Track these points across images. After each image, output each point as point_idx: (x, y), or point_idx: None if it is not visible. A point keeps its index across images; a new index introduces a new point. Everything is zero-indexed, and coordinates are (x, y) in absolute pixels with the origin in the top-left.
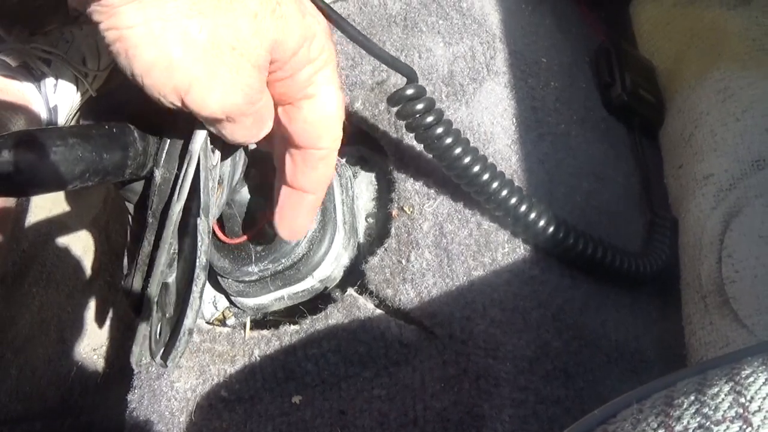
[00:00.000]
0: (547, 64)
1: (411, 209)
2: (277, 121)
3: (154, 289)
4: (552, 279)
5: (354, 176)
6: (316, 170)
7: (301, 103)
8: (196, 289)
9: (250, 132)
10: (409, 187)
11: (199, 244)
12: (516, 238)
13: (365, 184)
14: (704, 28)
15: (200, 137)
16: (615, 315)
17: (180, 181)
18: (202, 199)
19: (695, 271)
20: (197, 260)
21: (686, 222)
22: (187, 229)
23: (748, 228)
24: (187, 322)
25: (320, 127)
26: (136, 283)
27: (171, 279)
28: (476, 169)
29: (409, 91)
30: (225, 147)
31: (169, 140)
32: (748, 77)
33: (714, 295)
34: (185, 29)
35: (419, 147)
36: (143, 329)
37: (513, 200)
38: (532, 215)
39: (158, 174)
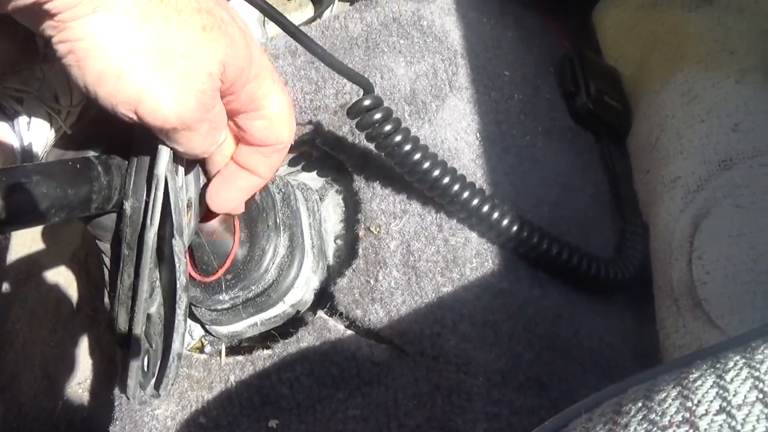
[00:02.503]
0: (510, 77)
1: (378, 229)
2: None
3: (140, 319)
4: (521, 291)
5: (321, 199)
6: (270, 158)
7: (252, 114)
8: (179, 312)
9: (205, 141)
10: (375, 207)
11: (177, 265)
12: (483, 251)
13: (332, 206)
14: (666, 32)
15: (164, 158)
16: (588, 323)
17: (151, 206)
18: (174, 220)
19: (667, 274)
20: (177, 281)
21: (656, 226)
22: (162, 255)
23: (717, 229)
24: (175, 346)
25: (273, 130)
26: (121, 319)
27: (153, 309)
28: (437, 173)
29: (366, 102)
30: (187, 166)
31: (134, 172)
32: (712, 78)
33: (686, 298)
34: (135, 39)
35: (384, 168)
36: (135, 363)
37: (475, 201)
38: (495, 214)
39: (128, 205)
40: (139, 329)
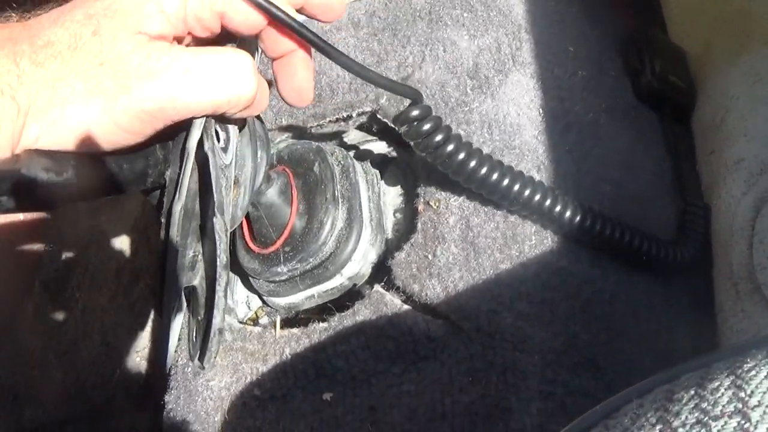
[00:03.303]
0: (574, 53)
1: (437, 204)
2: None
3: (167, 291)
4: (580, 270)
5: (381, 172)
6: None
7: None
8: (219, 289)
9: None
10: (434, 181)
11: (218, 243)
12: (544, 230)
13: (392, 180)
14: (734, 12)
15: (195, 134)
16: (646, 305)
17: (179, 179)
18: (215, 198)
19: (727, 257)
20: (218, 260)
21: (718, 208)
22: (205, 231)
23: None
24: (216, 321)
25: None
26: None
27: (196, 281)
28: (495, 177)
29: (415, 112)
30: (240, 143)
31: (180, 142)
32: None
33: (745, 282)
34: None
35: None
36: (166, 332)
37: (536, 198)
38: (558, 208)
39: (167, 175)
40: (166, 299)
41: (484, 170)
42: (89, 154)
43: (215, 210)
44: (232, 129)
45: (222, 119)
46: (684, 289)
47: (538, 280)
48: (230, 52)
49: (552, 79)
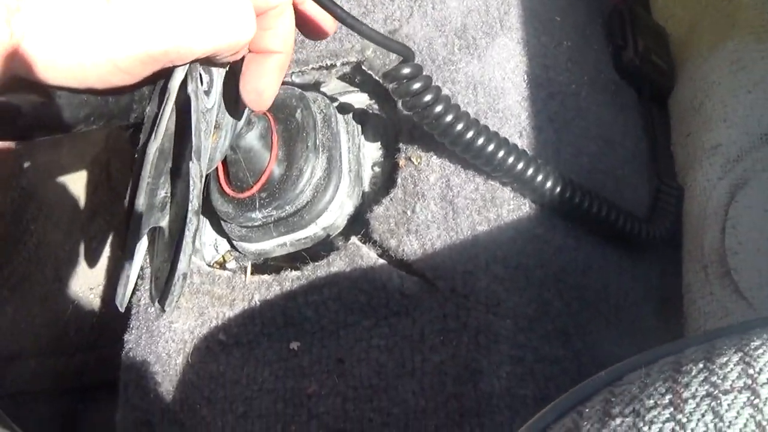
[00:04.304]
0: (560, 23)
1: (418, 160)
2: None
3: (132, 229)
4: (556, 239)
5: (363, 124)
6: (275, 29)
7: None
8: (188, 234)
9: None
10: (417, 138)
11: (191, 188)
12: (522, 197)
13: (372, 132)
14: None
15: (179, 75)
16: (617, 279)
17: (157, 119)
18: (193, 143)
19: (698, 240)
20: (189, 204)
21: (692, 191)
22: (179, 173)
23: (753, 200)
24: (181, 266)
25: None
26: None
27: (164, 223)
28: (480, 142)
29: (406, 71)
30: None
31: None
32: (762, 50)
33: (715, 266)
34: None
35: None
36: (126, 270)
37: (520, 166)
38: (539, 178)
39: (147, 111)
40: (129, 236)
41: (470, 134)
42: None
43: (192, 155)
44: (216, 71)
45: (208, 62)
46: (653, 268)
47: (514, 245)
48: None
49: (538, 47)
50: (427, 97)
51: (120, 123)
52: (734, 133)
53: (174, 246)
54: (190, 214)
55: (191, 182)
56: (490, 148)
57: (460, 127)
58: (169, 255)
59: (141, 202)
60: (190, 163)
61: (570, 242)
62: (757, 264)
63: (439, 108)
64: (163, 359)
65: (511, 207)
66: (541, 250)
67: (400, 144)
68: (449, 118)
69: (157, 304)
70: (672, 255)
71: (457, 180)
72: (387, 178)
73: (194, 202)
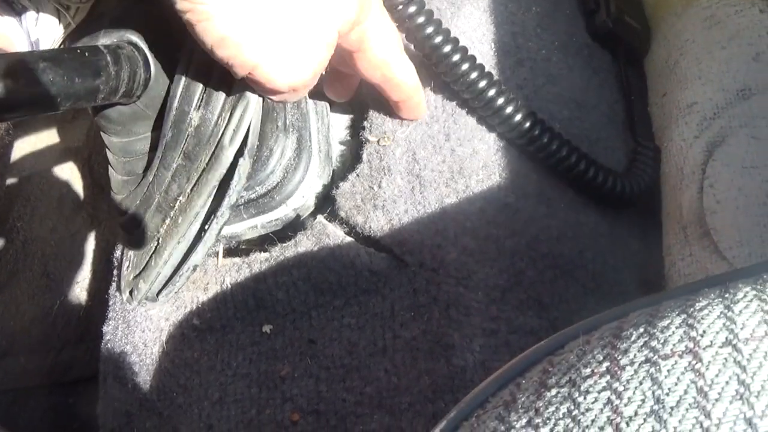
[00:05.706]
0: None
1: (384, 135)
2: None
3: (183, 232)
4: (527, 207)
5: (330, 103)
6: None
7: (357, 55)
8: (215, 227)
9: (300, 95)
10: (382, 113)
11: (234, 183)
12: (491, 163)
13: (339, 111)
14: None
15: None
16: (593, 245)
17: (234, 125)
18: (250, 141)
19: (676, 200)
20: (227, 197)
21: (669, 151)
22: (219, 161)
23: (731, 158)
24: (196, 257)
25: (379, 69)
26: (153, 224)
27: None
28: (465, 67)
29: None
30: None
31: (209, 85)
32: (736, 5)
33: (694, 226)
34: (261, 7)
35: None
36: (132, 257)
37: (491, 92)
38: (509, 109)
39: (196, 115)
40: (182, 244)
41: (448, 48)
42: (43, 65)
43: (246, 152)
44: None
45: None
46: (632, 232)
47: (484, 215)
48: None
49: (505, 14)
50: (412, 9)
51: (86, 104)
52: (710, 90)
53: (188, 235)
54: (224, 208)
55: (236, 177)
56: (482, 84)
57: (438, 40)
58: (172, 244)
59: (202, 210)
60: (241, 159)
61: (542, 210)
62: (737, 222)
63: (421, 19)
64: (140, 349)
65: (480, 177)
66: (512, 219)
67: (365, 121)
68: (429, 30)
69: (150, 294)
70: (652, 218)
71: (424, 153)
72: (354, 156)
73: (233, 196)
